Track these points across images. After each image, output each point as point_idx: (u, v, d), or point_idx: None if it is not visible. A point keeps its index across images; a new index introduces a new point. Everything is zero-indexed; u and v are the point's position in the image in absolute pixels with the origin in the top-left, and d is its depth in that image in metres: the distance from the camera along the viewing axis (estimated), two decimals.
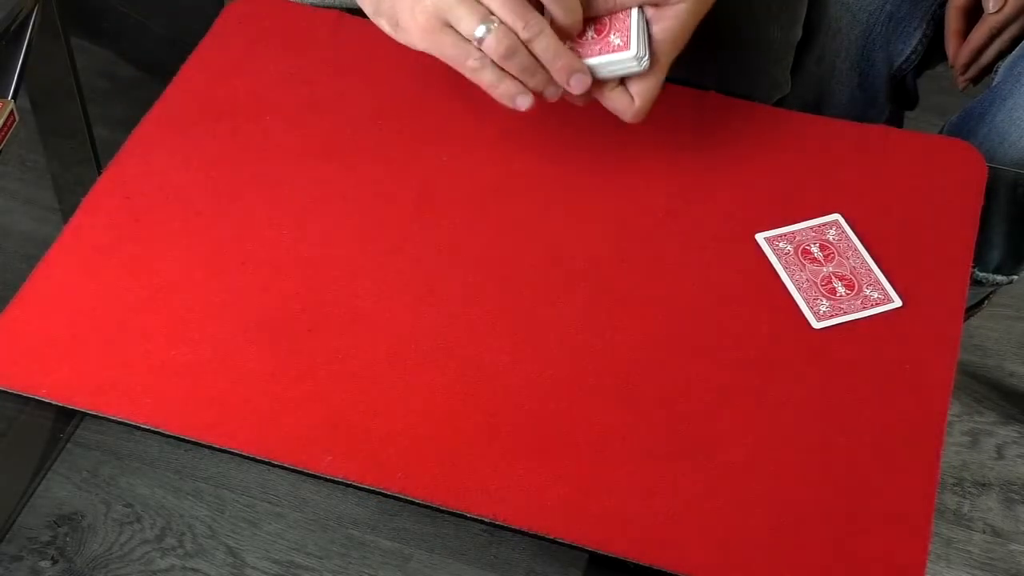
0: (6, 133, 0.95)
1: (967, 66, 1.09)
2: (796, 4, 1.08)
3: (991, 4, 1.03)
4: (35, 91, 1.17)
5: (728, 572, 0.69)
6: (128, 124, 0.91)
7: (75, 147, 1.24)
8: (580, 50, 0.80)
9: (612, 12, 0.80)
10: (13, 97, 1.00)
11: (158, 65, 1.13)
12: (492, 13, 0.76)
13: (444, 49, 0.78)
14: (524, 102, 0.79)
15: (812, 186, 0.87)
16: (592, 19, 0.80)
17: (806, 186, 0.87)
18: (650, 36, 0.79)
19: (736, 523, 0.71)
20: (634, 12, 0.79)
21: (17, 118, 0.96)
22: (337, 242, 0.84)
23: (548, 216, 0.86)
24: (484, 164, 0.89)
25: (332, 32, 0.95)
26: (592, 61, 0.79)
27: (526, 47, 0.77)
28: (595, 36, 0.80)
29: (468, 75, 0.78)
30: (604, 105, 0.81)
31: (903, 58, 1.13)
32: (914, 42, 1.12)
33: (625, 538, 0.71)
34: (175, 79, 0.94)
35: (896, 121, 1.24)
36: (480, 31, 0.76)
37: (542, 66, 0.78)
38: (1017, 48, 1.06)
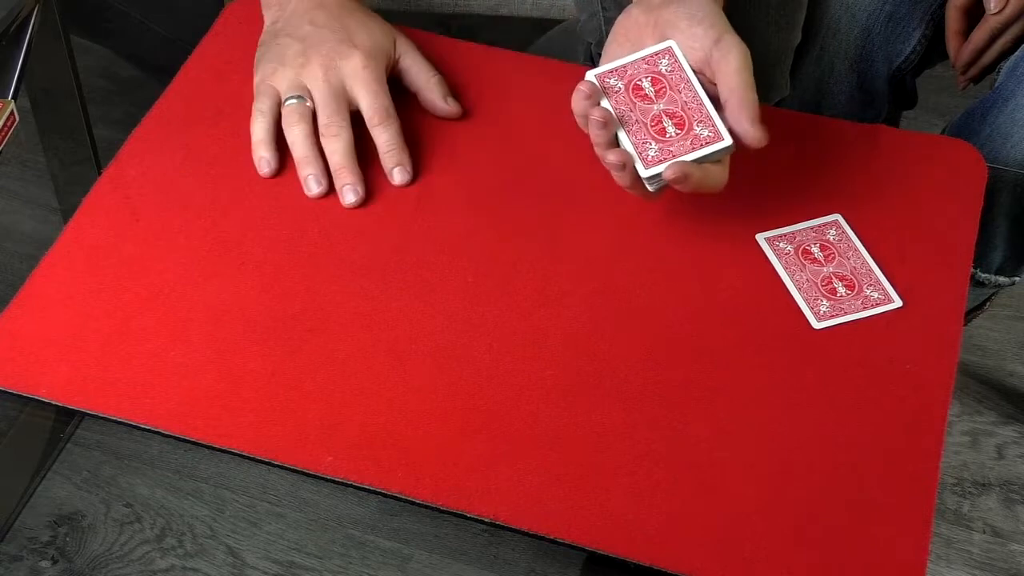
0: (6, 133, 0.95)
1: (968, 66, 1.09)
2: (795, 7, 1.09)
3: (993, 5, 1.03)
4: (35, 91, 1.17)
5: (728, 572, 0.69)
6: (128, 124, 0.91)
7: (75, 147, 1.24)
8: (672, 149, 0.79)
9: (677, 95, 0.80)
10: (13, 97, 1.00)
11: (158, 65, 1.13)
12: (311, 99, 0.86)
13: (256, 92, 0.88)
14: (314, 188, 0.86)
15: (812, 186, 0.87)
16: (664, 112, 0.80)
17: (806, 186, 0.87)
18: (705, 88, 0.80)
19: (735, 523, 0.71)
20: (702, 94, 0.80)
21: (17, 118, 0.96)
22: (337, 242, 0.84)
23: (548, 216, 0.86)
24: (484, 164, 0.89)
25: None
26: (691, 157, 0.79)
27: (320, 138, 0.86)
28: (679, 131, 0.80)
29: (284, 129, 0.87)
30: (706, 187, 0.80)
31: (902, 58, 1.13)
32: (913, 42, 1.12)
33: (625, 538, 0.71)
34: (175, 79, 0.94)
35: (893, 121, 1.24)
36: (290, 101, 0.86)
37: (315, 153, 0.86)
38: (1020, 49, 1.06)
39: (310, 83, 0.86)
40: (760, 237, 0.84)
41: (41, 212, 1.57)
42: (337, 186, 0.85)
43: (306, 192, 0.85)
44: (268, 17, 0.92)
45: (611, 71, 0.81)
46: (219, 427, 0.75)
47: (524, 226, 0.85)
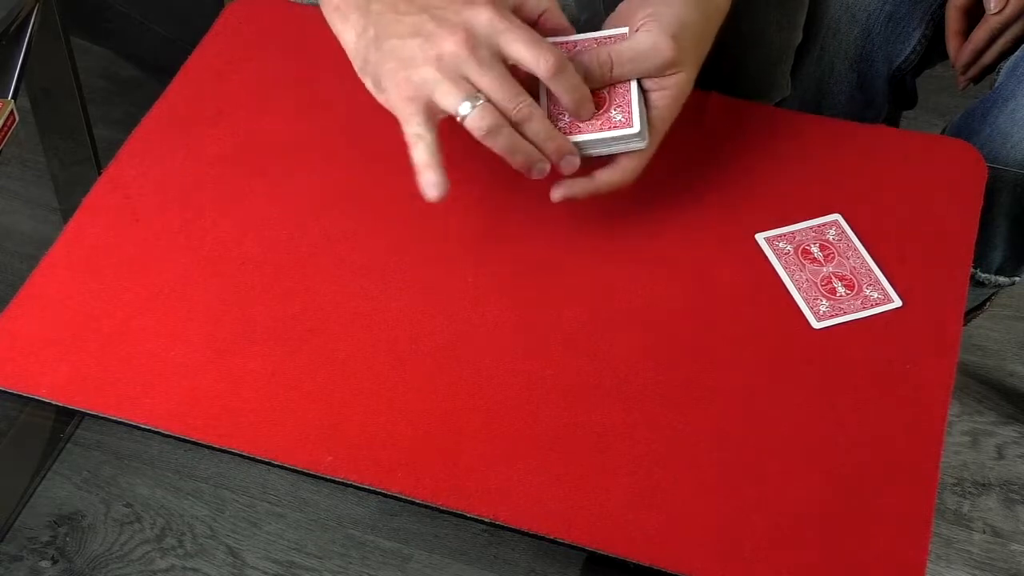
0: (6, 133, 0.95)
1: (968, 66, 1.09)
2: (796, 7, 1.09)
3: (993, 5, 1.03)
4: (35, 91, 1.17)
5: (728, 572, 0.69)
6: (128, 124, 0.91)
7: (75, 147, 1.24)
8: (580, 125, 0.78)
9: (610, 86, 0.79)
10: (13, 97, 1.00)
11: (158, 65, 1.13)
12: (479, 91, 0.74)
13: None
14: (539, 172, 0.77)
15: (812, 186, 0.87)
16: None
17: (806, 186, 0.87)
18: (647, 107, 0.79)
19: (736, 523, 0.71)
20: (633, 86, 0.78)
21: (17, 118, 0.96)
22: (337, 242, 0.84)
23: (548, 215, 0.86)
24: (485, 164, 0.89)
25: (332, 32, 0.95)
26: (592, 136, 0.78)
27: (515, 127, 0.75)
28: (594, 111, 0.78)
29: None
30: (596, 183, 0.79)
31: (902, 58, 1.13)
32: (913, 42, 1.12)
33: (625, 538, 0.71)
34: (175, 79, 0.94)
35: (893, 121, 1.24)
36: (464, 108, 0.74)
37: (528, 144, 0.76)
38: (1020, 49, 1.06)
39: (465, 68, 0.74)
40: (760, 237, 0.84)
41: (41, 212, 1.58)
42: (554, 160, 0.77)
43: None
44: (350, 30, 0.79)
45: (568, 40, 0.81)
46: (219, 427, 0.75)
47: (524, 226, 0.85)
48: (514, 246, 0.84)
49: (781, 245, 0.84)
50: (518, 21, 0.76)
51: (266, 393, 0.76)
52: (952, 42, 1.09)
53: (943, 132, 1.15)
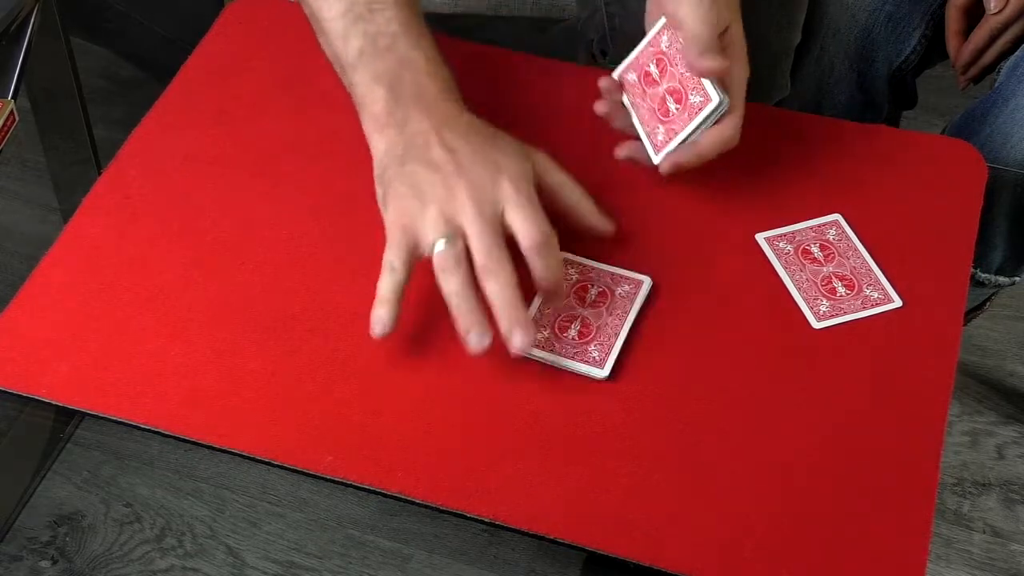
0: (6, 133, 0.95)
1: (968, 66, 1.09)
2: (795, 7, 1.09)
3: (992, 5, 1.03)
4: (35, 91, 1.17)
5: (728, 572, 0.69)
6: (128, 124, 0.91)
7: (75, 147, 1.24)
8: (674, 126, 0.82)
9: (679, 75, 0.82)
10: (13, 97, 1.00)
11: (158, 65, 1.13)
12: (463, 235, 0.74)
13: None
14: (475, 344, 0.73)
15: (812, 186, 0.87)
16: (668, 92, 0.83)
17: (806, 186, 0.87)
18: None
19: (736, 523, 0.71)
20: None
21: (17, 118, 0.96)
22: (337, 242, 0.84)
23: (548, 215, 0.86)
24: None
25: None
26: (689, 129, 0.82)
27: (479, 281, 0.74)
28: (679, 108, 0.82)
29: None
30: (699, 147, 0.82)
31: (902, 58, 1.13)
32: (913, 42, 1.12)
33: (625, 538, 0.71)
34: (175, 79, 0.94)
35: (893, 121, 1.24)
36: (440, 244, 0.74)
37: (478, 307, 0.74)
38: (1020, 49, 1.06)
39: (461, 217, 0.74)
40: (760, 237, 0.84)
41: (41, 212, 1.58)
42: (503, 329, 0.73)
43: (469, 349, 0.73)
44: (383, 141, 0.78)
45: (626, 67, 0.86)
46: (219, 427, 0.75)
47: None
48: (514, 246, 0.84)
49: (781, 245, 0.84)
50: (535, 199, 0.76)
51: (266, 393, 0.76)
52: (952, 42, 1.09)
53: (943, 132, 1.15)
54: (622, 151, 0.82)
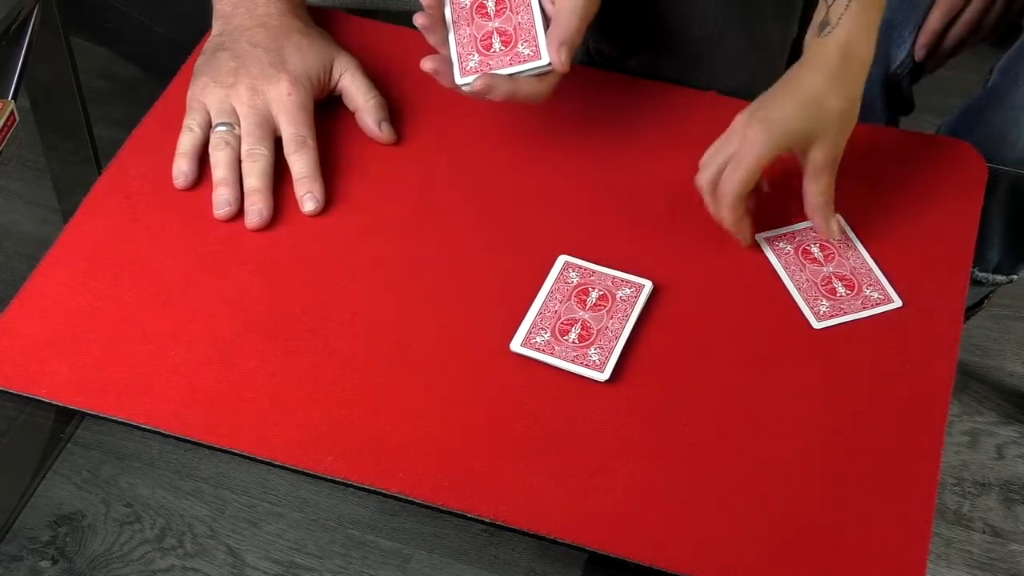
0: (6, 133, 0.95)
1: (927, 48, 1.10)
2: (795, 7, 1.08)
3: None
4: (35, 91, 1.17)
5: (728, 572, 0.69)
6: (128, 124, 0.91)
7: (75, 147, 1.24)
8: (491, 63, 0.83)
9: (517, 28, 0.84)
10: (13, 97, 1.00)
11: (158, 65, 1.13)
12: (238, 121, 0.87)
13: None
14: (222, 208, 0.85)
15: None
16: (498, 31, 0.83)
17: None
18: (545, 16, 0.83)
19: (736, 523, 0.71)
20: (536, 14, 0.83)
21: (17, 118, 0.96)
22: (337, 242, 0.84)
23: (548, 216, 0.86)
24: (485, 165, 0.89)
25: (331, 32, 0.95)
26: (510, 71, 0.82)
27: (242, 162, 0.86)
28: (503, 48, 0.83)
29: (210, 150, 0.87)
30: (517, 89, 0.83)
31: (897, 63, 1.13)
32: (908, 47, 1.12)
33: (625, 538, 0.71)
34: (175, 79, 0.94)
35: (891, 126, 1.24)
36: (218, 128, 0.87)
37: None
38: (1012, 48, 1.07)
39: (237, 106, 0.87)
40: (760, 237, 0.84)
41: (41, 212, 1.57)
42: (246, 207, 0.85)
43: (215, 211, 0.85)
44: (215, 27, 0.92)
45: None
46: (219, 427, 0.75)
47: (523, 226, 0.85)
48: (514, 246, 0.84)
49: (781, 245, 0.84)
50: (304, 104, 0.88)
51: (266, 393, 0.76)
52: (921, 38, 1.11)
53: (937, 131, 1.15)
54: (427, 64, 0.84)
